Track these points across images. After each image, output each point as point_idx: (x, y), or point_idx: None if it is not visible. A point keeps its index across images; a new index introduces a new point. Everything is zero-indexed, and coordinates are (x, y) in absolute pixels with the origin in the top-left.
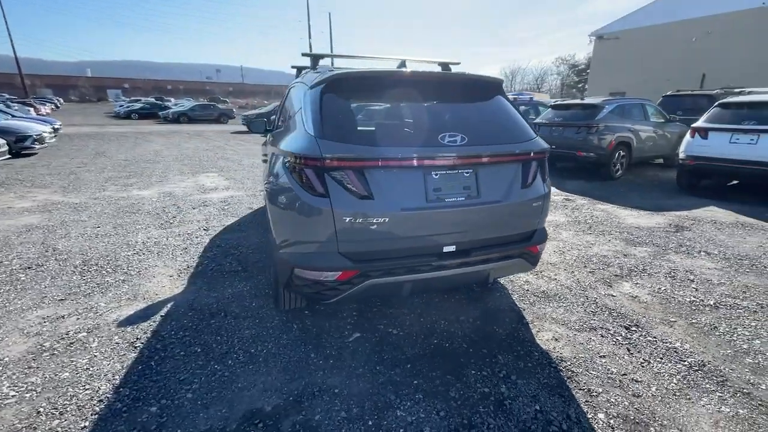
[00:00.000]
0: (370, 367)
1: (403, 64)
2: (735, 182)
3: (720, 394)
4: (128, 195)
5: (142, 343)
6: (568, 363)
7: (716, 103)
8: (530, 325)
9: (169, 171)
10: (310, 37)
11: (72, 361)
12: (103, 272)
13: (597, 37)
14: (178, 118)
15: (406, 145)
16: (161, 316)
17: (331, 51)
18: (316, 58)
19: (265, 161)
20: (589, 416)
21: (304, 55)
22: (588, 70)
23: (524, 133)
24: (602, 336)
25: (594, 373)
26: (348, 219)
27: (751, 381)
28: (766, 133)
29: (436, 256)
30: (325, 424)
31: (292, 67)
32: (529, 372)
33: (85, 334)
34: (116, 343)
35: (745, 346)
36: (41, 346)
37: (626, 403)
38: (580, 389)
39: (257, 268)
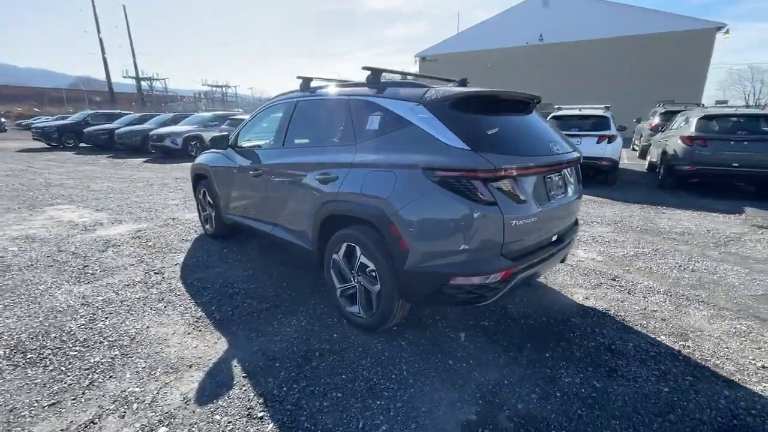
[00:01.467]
0: (505, 355)
1: (463, 82)
2: None
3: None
4: None
5: (268, 413)
6: (604, 307)
7: (550, 116)
8: (565, 292)
9: None
10: (99, 32)
11: None
12: (106, 351)
13: (421, 58)
14: None
15: (535, 154)
16: (246, 378)
17: (132, 49)
18: (377, 73)
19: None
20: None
21: (365, 68)
22: None
23: (571, 142)
24: (606, 288)
25: (605, 298)
26: (513, 222)
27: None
28: (585, 137)
29: (551, 245)
30: (540, 408)
31: (298, 77)
32: (586, 321)
33: None
34: None
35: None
36: None
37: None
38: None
39: (290, 299)
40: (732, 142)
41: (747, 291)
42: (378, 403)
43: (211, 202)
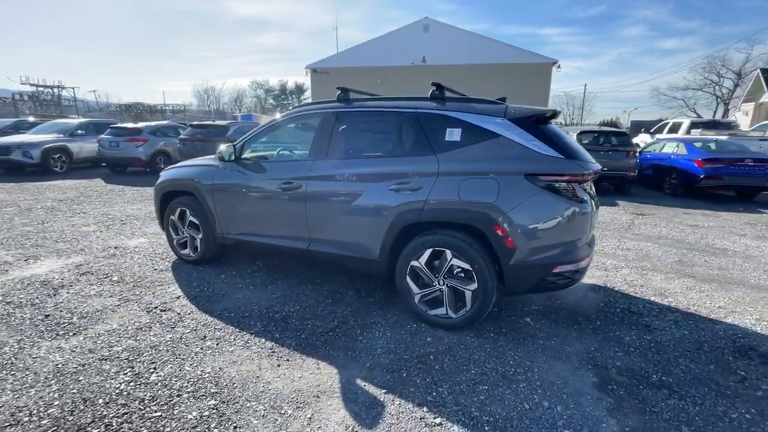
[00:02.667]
0: (573, 329)
1: (503, 100)
2: None
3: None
4: None
5: (443, 417)
6: (602, 282)
7: None
8: None
9: None
10: None
11: None
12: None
13: (312, 70)
14: None
15: (589, 161)
16: (388, 393)
17: None
18: (441, 89)
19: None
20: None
21: (434, 84)
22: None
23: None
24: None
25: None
26: (591, 216)
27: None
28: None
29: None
30: (630, 360)
31: (338, 88)
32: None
33: None
34: None
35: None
36: None
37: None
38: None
39: (352, 314)
40: (601, 152)
41: (669, 259)
42: (521, 385)
43: (196, 222)
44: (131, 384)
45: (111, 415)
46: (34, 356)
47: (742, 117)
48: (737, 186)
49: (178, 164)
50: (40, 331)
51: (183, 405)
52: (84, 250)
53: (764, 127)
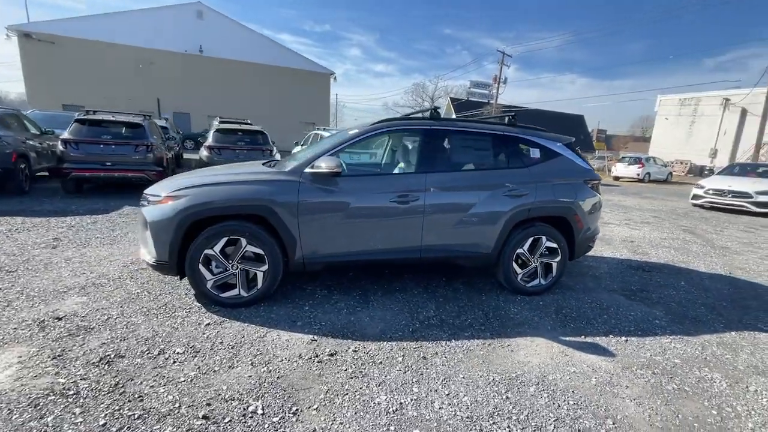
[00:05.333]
0: (628, 292)
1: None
2: None
3: None
4: None
5: None
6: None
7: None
8: None
9: None
10: None
11: None
12: None
13: (23, 33)
14: None
15: None
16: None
17: None
18: (515, 116)
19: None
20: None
21: (510, 114)
22: None
23: None
24: None
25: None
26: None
27: None
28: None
29: None
30: (673, 297)
31: (434, 108)
32: None
33: None
34: None
35: None
36: None
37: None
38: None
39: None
40: None
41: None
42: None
43: (258, 252)
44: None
45: None
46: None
47: None
48: None
49: (188, 179)
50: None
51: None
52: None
53: None
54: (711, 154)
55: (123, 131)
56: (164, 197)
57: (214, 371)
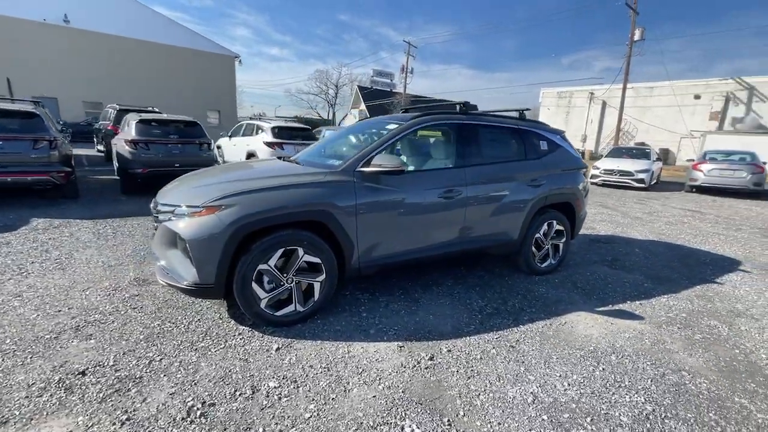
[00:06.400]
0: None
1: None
2: None
3: None
4: None
5: None
6: None
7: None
8: None
9: None
10: None
11: None
12: None
13: None
14: None
15: None
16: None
17: None
18: (524, 113)
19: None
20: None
21: (519, 110)
22: None
23: None
24: None
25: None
26: None
27: None
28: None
29: None
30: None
31: (462, 103)
32: None
33: None
34: None
35: None
36: None
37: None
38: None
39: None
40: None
41: None
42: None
43: (315, 261)
44: None
45: None
46: None
47: (352, 119)
48: None
49: (222, 185)
50: None
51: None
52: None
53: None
54: (582, 139)
55: (11, 124)
56: (205, 208)
57: (332, 399)
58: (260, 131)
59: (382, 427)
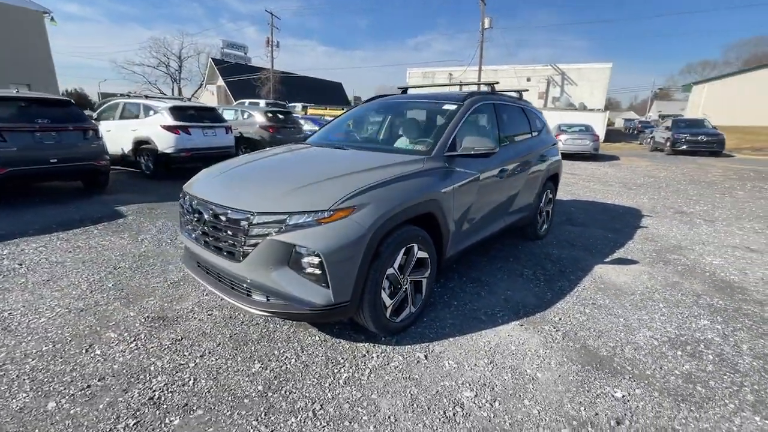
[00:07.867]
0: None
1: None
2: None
3: None
4: None
5: None
6: None
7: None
8: None
9: None
10: None
11: None
12: None
13: None
14: None
15: None
16: None
17: None
18: (520, 93)
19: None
20: None
21: (517, 91)
22: None
23: None
24: None
25: None
26: None
27: None
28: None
29: None
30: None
31: (487, 84)
32: None
33: None
34: None
35: None
36: None
37: None
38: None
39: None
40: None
41: None
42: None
43: (423, 257)
44: None
45: None
46: None
47: (210, 96)
48: None
49: (329, 180)
50: None
51: None
52: None
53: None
54: None
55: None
56: (335, 211)
57: (529, 389)
58: (151, 112)
59: (598, 400)
